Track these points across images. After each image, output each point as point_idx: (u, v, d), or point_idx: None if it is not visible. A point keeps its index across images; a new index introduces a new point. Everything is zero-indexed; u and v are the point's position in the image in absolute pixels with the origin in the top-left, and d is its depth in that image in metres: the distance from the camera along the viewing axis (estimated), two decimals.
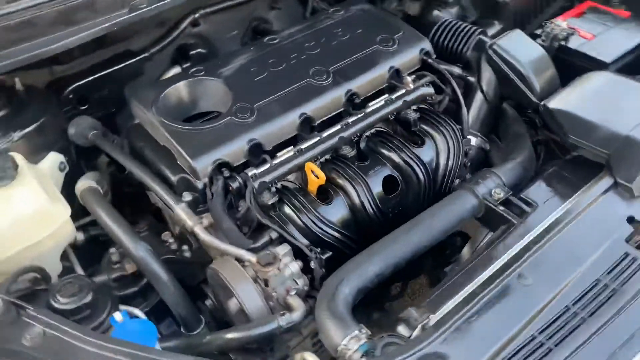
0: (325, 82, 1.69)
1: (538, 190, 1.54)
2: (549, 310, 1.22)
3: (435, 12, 2.07)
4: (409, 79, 1.78)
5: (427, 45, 1.84)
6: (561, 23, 2.03)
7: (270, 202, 1.48)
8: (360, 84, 1.71)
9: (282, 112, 1.60)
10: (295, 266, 1.45)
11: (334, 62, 1.74)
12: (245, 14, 2.39)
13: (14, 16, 1.53)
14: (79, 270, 1.53)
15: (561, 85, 1.78)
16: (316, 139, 1.60)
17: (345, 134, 1.62)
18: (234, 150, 1.52)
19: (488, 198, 1.52)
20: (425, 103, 1.78)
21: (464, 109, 1.79)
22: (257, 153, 1.55)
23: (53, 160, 1.63)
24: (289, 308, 1.39)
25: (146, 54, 2.10)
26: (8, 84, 1.72)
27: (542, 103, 1.68)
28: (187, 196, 1.51)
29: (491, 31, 2.08)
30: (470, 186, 1.54)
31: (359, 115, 1.66)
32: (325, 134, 1.61)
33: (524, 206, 1.49)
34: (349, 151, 1.60)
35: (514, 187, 1.59)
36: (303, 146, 1.58)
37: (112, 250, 1.59)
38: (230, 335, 1.34)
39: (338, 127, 1.64)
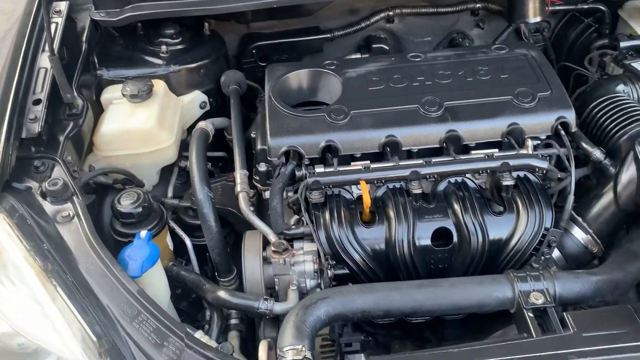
0: (432, 114, 1.65)
1: (587, 319, 1.30)
2: None
3: (620, 86, 1.78)
4: (531, 143, 1.62)
5: (569, 115, 1.63)
6: None
7: (315, 202, 1.55)
8: (468, 128, 1.62)
9: (371, 127, 1.63)
10: (310, 266, 1.52)
11: (454, 98, 1.68)
12: (446, 23, 2.40)
13: None
14: (170, 189, 1.84)
15: None
16: (391, 164, 1.60)
17: (421, 170, 1.58)
18: (311, 143, 1.62)
19: (523, 297, 1.35)
20: (537, 175, 1.60)
21: (570, 198, 1.56)
22: (331, 154, 1.62)
23: (194, 97, 1.95)
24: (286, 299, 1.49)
25: (328, 35, 2.28)
26: (197, 25, 2.08)
27: None
28: (262, 167, 1.68)
29: None
30: (514, 276, 1.38)
31: (446, 158, 1.59)
32: (403, 163, 1.60)
33: (557, 325, 1.29)
34: (415, 187, 1.56)
35: (570, 301, 1.37)
36: (374, 165, 1.60)
37: None
38: (219, 293, 1.50)
39: (421, 161, 1.60)
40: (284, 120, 1.66)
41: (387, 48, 2.31)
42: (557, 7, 2.27)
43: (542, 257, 1.54)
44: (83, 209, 1.39)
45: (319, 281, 1.54)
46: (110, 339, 1.14)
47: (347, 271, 1.53)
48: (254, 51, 2.26)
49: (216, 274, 1.70)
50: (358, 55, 2.32)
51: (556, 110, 1.63)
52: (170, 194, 1.83)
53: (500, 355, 1.21)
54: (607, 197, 1.60)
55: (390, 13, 2.32)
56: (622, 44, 1.95)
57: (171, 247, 1.70)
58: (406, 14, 2.34)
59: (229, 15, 2.00)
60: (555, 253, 1.64)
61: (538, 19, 2.18)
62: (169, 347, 1.15)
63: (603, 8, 2.24)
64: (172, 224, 1.76)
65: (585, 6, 2.27)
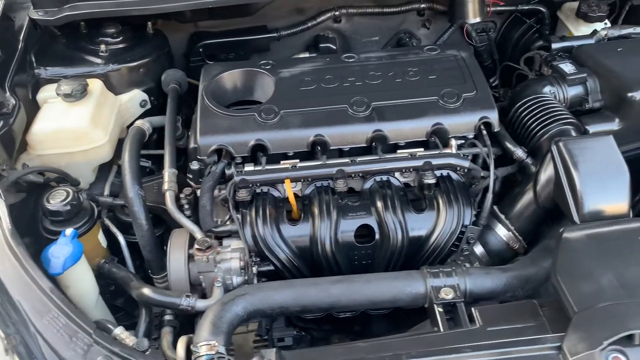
0: (360, 114, 1.68)
1: (494, 313, 1.35)
2: None
3: (547, 87, 1.83)
4: (454, 142, 1.66)
5: (491, 115, 1.67)
6: None
7: (241, 200, 1.58)
8: (393, 128, 1.66)
9: (300, 126, 1.66)
10: (236, 263, 1.55)
11: (382, 98, 1.71)
12: (393, 23, 2.43)
13: None
14: (107, 187, 1.86)
15: None
16: (318, 163, 1.63)
17: (346, 168, 1.61)
18: (240, 142, 1.65)
19: (434, 293, 1.39)
20: (460, 173, 1.64)
21: (489, 196, 1.61)
22: (262, 153, 1.65)
23: (134, 96, 1.97)
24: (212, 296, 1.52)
25: (275, 35, 2.31)
26: (141, 25, 2.09)
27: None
28: (195, 165, 1.70)
29: (604, 127, 1.77)
30: (428, 272, 1.42)
31: (372, 157, 1.63)
32: (330, 162, 1.63)
33: (464, 320, 1.33)
34: (340, 185, 1.59)
35: (482, 296, 1.41)
36: (302, 164, 1.63)
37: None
38: (143, 290, 1.53)
39: (346, 160, 1.64)
40: (214, 119, 1.69)
41: (335, 47, 2.34)
42: (498, 8, 2.32)
43: (463, 252, 1.59)
44: (2, 208, 1.41)
45: (246, 278, 1.57)
46: (19, 335, 1.16)
47: (272, 268, 1.56)
48: (201, 50, 2.28)
49: (149, 271, 1.72)
50: (306, 54, 2.35)
51: (479, 111, 1.67)
52: (106, 192, 1.85)
53: (404, 348, 1.25)
54: (528, 195, 1.65)
55: (337, 13, 2.35)
56: (554, 45, 2.00)
57: (104, 244, 1.72)
58: (352, 14, 2.37)
59: (169, 15, 2.02)
60: (480, 249, 1.69)
61: (478, 19, 2.23)
62: (77, 343, 1.17)
63: (542, 9, 2.29)
64: (107, 222, 1.78)
65: (526, 7, 2.32)
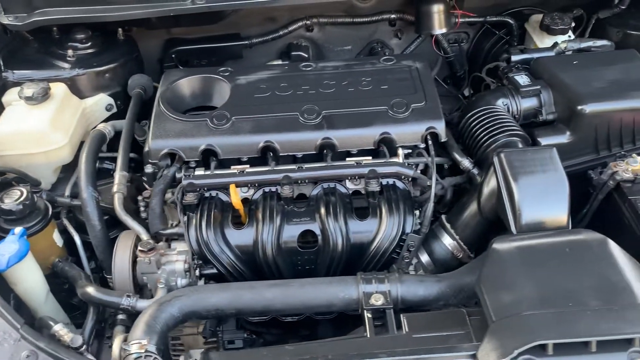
0: (310, 121, 1.71)
1: (422, 321, 1.37)
2: None
3: (500, 99, 1.84)
4: (401, 152, 1.69)
5: (438, 126, 1.69)
6: (637, 164, 1.63)
7: (188, 203, 1.62)
8: (342, 136, 1.69)
9: (251, 133, 1.70)
10: (181, 265, 1.59)
11: (333, 107, 1.75)
12: (365, 33, 2.47)
13: None
14: (68, 188, 1.90)
15: None
16: (266, 169, 1.66)
17: (293, 175, 1.64)
18: (191, 147, 1.69)
19: (365, 299, 1.41)
20: (405, 182, 1.67)
21: (430, 205, 1.62)
22: (208, 158, 1.69)
23: (99, 100, 2.02)
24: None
25: (247, 42, 2.35)
26: (113, 31, 2.15)
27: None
28: (149, 168, 1.74)
29: (555, 139, 1.78)
30: (362, 278, 1.44)
31: (318, 165, 1.66)
32: (277, 168, 1.66)
33: (391, 326, 1.35)
34: (286, 191, 1.62)
35: (414, 304, 1.43)
36: (250, 170, 1.66)
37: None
38: (87, 288, 1.57)
39: (294, 166, 1.67)
40: (167, 124, 1.73)
41: (306, 56, 2.37)
42: (467, 19, 2.34)
43: (404, 259, 1.61)
44: None
45: (191, 280, 1.60)
46: None
47: (215, 271, 1.60)
48: (173, 56, 2.33)
49: (104, 272, 1.76)
50: (279, 62, 2.39)
51: (427, 121, 1.69)
52: (67, 192, 1.90)
53: (326, 352, 1.27)
54: (473, 206, 1.66)
55: (308, 22, 2.39)
56: (514, 58, 2.01)
57: (60, 243, 1.77)
58: (324, 23, 2.41)
59: (136, 22, 2.07)
60: (426, 258, 1.71)
61: (444, 30, 2.25)
62: (4, 337, 1.21)
63: (510, 21, 2.31)
64: (65, 222, 1.83)
65: (494, 19, 2.34)
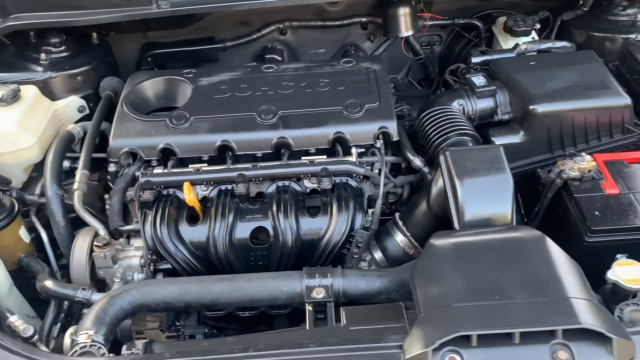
0: (266, 121, 1.76)
1: (360, 314, 1.40)
2: None
3: (456, 100, 1.88)
4: (355, 151, 1.73)
5: (390, 125, 1.73)
6: (584, 162, 1.65)
7: (144, 201, 1.67)
8: (297, 135, 1.73)
9: (208, 132, 1.75)
10: (137, 260, 1.64)
11: (290, 107, 1.79)
12: (338, 36, 2.52)
13: None
14: (38, 187, 1.96)
15: None
16: (222, 167, 1.71)
17: (247, 173, 1.69)
18: (149, 146, 1.74)
19: (307, 292, 1.45)
20: (357, 180, 1.71)
21: (379, 202, 1.66)
22: (169, 157, 1.74)
23: (70, 102, 2.08)
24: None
25: (221, 45, 2.41)
26: (88, 35, 2.22)
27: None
28: (112, 167, 1.80)
29: (509, 139, 1.81)
30: (306, 273, 1.48)
31: (273, 163, 1.71)
32: (233, 166, 1.71)
33: (330, 318, 1.39)
34: (240, 188, 1.66)
35: (356, 297, 1.47)
36: (206, 168, 1.71)
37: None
38: (45, 282, 1.63)
39: (248, 165, 1.72)
40: (128, 124, 1.79)
41: (280, 58, 2.43)
42: (436, 22, 2.38)
43: (354, 256, 1.65)
44: None
45: (147, 275, 1.65)
46: None
47: (169, 266, 1.65)
48: (149, 59, 2.40)
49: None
50: (254, 64, 2.44)
51: (379, 121, 1.73)
52: (37, 190, 1.96)
53: (263, 343, 1.31)
54: (424, 204, 1.70)
55: (281, 26, 2.44)
56: (474, 59, 2.05)
57: (27, 240, 1.83)
58: (297, 27, 2.46)
59: (107, 26, 2.14)
60: (379, 255, 1.75)
61: (410, 32, 2.29)
62: None
63: (478, 23, 2.34)
64: (34, 219, 1.89)
65: (462, 21, 2.37)
